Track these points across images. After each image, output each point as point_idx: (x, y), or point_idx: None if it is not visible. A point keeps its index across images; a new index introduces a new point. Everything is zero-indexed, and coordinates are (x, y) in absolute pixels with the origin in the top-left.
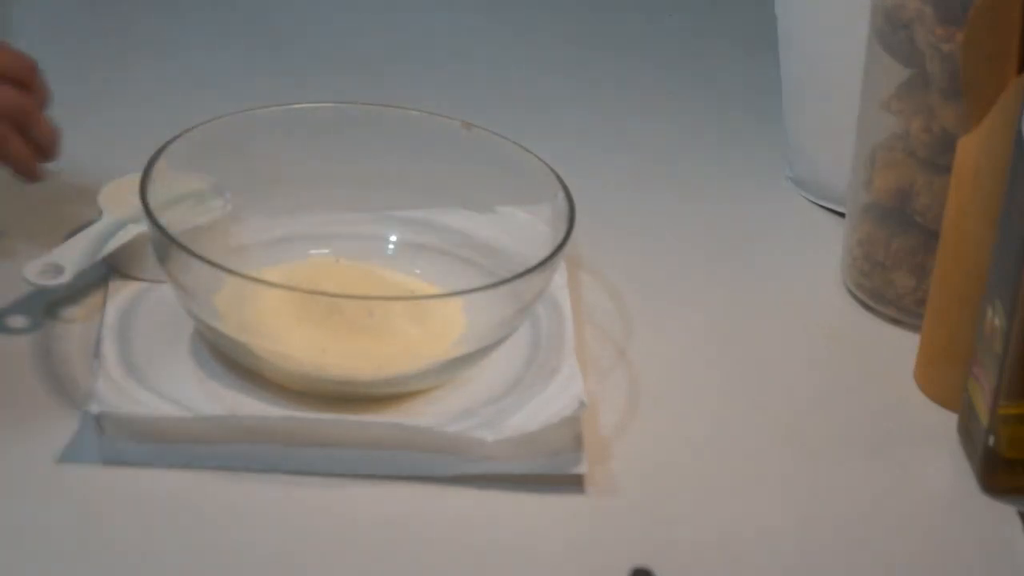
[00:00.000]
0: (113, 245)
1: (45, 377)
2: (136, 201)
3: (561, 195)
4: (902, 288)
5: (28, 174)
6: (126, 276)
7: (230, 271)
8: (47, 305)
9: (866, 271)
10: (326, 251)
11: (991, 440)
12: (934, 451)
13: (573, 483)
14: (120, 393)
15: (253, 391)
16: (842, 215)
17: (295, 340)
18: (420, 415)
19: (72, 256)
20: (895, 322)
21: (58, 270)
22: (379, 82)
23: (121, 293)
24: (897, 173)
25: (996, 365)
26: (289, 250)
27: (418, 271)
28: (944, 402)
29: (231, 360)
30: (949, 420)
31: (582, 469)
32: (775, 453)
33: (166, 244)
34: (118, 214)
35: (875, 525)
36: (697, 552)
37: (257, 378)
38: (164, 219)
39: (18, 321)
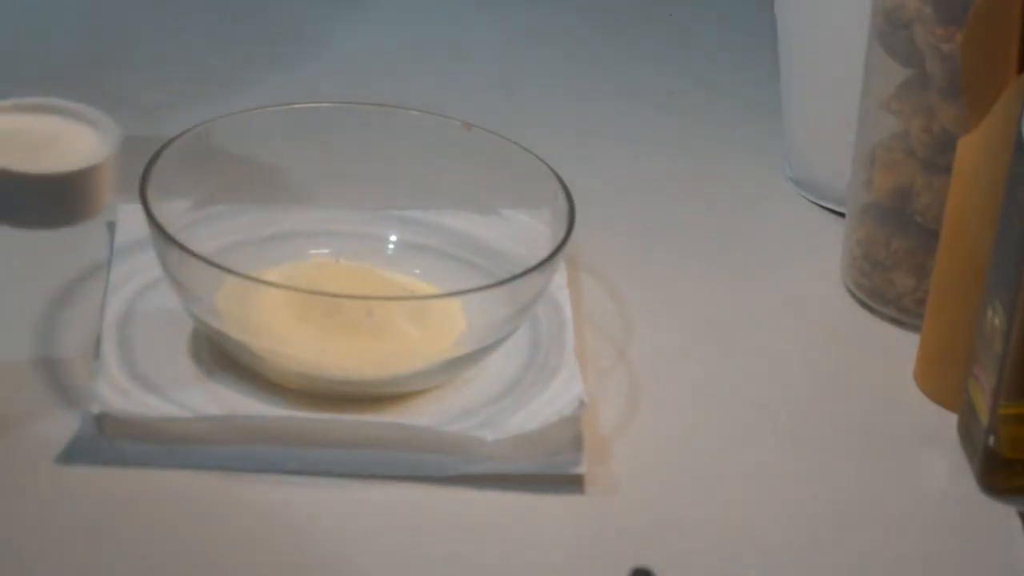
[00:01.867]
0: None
1: (45, 377)
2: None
3: (561, 195)
4: (902, 288)
5: None
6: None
7: (230, 271)
8: (47, 304)
9: (866, 271)
10: (326, 251)
11: (991, 440)
12: (934, 451)
13: (573, 483)
14: (120, 393)
15: (253, 391)
16: (842, 215)
17: (295, 340)
18: (420, 415)
19: None
20: (895, 322)
21: None
22: (379, 82)
23: (121, 293)
24: (897, 173)
25: (996, 365)
26: (289, 249)
27: (418, 271)
28: (944, 402)
29: (231, 360)
30: (949, 420)
31: (582, 469)
32: (774, 453)
33: (166, 243)
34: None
35: (875, 525)
36: (697, 552)
37: (257, 378)
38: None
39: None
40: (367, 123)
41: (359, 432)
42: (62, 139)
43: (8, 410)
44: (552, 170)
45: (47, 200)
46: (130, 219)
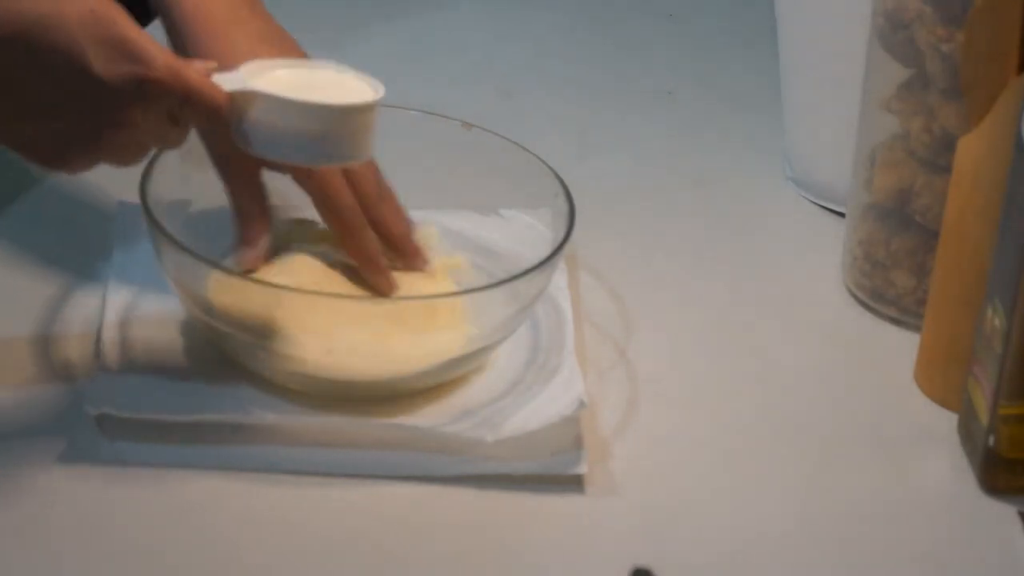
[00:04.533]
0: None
1: (45, 377)
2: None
3: (561, 195)
4: (902, 288)
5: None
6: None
7: (230, 270)
8: (48, 305)
9: (866, 271)
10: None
11: (991, 440)
12: (934, 451)
13: (573, 483)
14: (120, 393)
15: (253, 391)
16: (842, 215)
17: (295, 340)
18: (421, 415)
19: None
20: (895, 322)
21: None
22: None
23: (121, 292)
24: (897, 173)
25: (996, 365)
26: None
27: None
28: (944, 402)
29: (231, 360)
30: (949, 420)
31: (582, 469)
32: (775, 453)
33: (165, 243)
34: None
35: (875, 525)
36: (697, 552)
37: (258, 378)
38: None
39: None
40: None
41: (360, 432)
42: (344, 83)
43: (8, 410)
44: (552, 170)
45: (340, 131)
46: (130, 218)
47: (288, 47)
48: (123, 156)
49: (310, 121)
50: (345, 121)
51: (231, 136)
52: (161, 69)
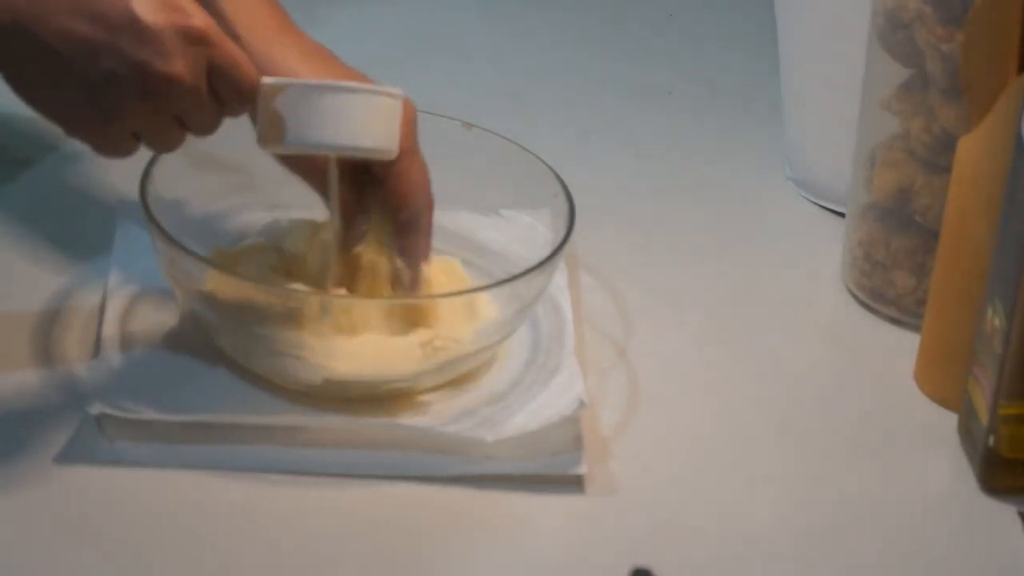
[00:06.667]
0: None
1: (45, 377)
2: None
3: (561, 195)
4: (902, 288)
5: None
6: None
7: (229, 271)
8: (47, 305)
9: (866, 271)
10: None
11: (991, 440)
12: (934, 451)
13: (573, 483)
14: (120, 393)
15: (253, 391)
16: (842, 215)
17: (294, 340)
18: (421, 415)
19: None
20: (895, 322)
21: None
22: (379, 82)
23: (121, 293)
24: (897, 173)
25: (996, 365)
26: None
27: None
28: (944, 402)
29: (231, 360)
30: (949, 420)
31: (582, 469)
32: (775, 453)
33: (165, 243)
34: None
35: (875, 525)
36: (697, 552)
37: (257, 378)
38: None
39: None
40: None
41: (360, 432)
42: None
43: (8, 410)
44: (552, 170)
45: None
46: (130, 219)
47: (335, 66)
48: (164, 131)
49: (339, 105)
50: (371, 106)
51: (256, 137)
52: (203, 22)
